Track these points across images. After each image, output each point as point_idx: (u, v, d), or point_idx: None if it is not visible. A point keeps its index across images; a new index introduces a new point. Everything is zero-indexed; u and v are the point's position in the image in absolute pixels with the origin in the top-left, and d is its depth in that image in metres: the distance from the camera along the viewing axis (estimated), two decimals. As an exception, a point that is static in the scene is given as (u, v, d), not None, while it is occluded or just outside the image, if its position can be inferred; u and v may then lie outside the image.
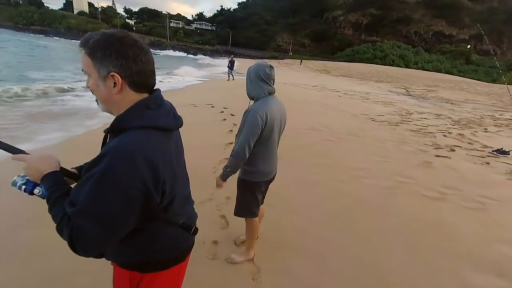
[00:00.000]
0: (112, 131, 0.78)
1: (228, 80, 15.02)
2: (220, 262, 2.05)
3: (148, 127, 0.76)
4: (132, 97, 0.78)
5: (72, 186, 0.80)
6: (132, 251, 0.86)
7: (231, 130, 5.09)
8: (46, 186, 0.77)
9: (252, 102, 1.80)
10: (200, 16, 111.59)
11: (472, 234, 2.57)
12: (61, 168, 0.84)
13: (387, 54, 63.74)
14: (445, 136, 6.10)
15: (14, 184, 0.79)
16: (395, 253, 2.25)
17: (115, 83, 0.74)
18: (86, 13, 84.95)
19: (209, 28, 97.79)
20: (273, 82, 1.77)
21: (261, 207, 2.17)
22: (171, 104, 0.89)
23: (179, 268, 0.96)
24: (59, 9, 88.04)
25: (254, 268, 2.02)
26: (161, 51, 61.35)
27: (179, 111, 0.93)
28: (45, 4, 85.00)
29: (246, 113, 1.69)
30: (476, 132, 6.80)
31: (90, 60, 0.74)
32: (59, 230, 0.72)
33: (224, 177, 1.80)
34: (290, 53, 72.71)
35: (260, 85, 1.71)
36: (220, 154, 4.03)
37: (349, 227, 2.57)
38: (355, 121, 6.82)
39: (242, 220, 2.53)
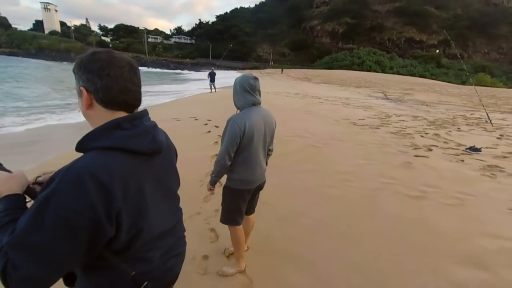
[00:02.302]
0: (78, 150, 0.71)
1: (211, 92, 15.12)
2: (212, 276, 2.02)
3: (113, 149, 0.69)
4: (103, 114, 0.73)
5: None
6: (95, 285, 0.77)
7: (216, 142, 5.08)
8: (0, 209, 0.70)
9: (238, 111, 1.84)
10: (178, 30, 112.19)
11: (453, 230, 2.69)
12: (28, 188, 0.78)
13: (364, 61, 66.64)
14: (422, 136, 6.40)
15: None
16: (382, 254, 2.30)
17: (86, 100, 0.73)
18: (58, 32, 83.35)
19: (189, 41, 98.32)
20: (259, 93, 1.82)
21: (250, 217, 2.17)
22: (154, 127, 0.81)
23: None
24: (29, 30, 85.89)
25: (246, 280, 2.00)
26: (141, 67, 60.75)
27: (162, 126, 0.87)
28: (13, 26, 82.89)
29: (227, 122, 1.75)
30: (450, 131, 7.19)
31: (76, 79, 0.74)
32: None
33: (211, 182, 1.89)
34: (271, 63, 74.23)
35: (245, 96, 1.77)
36: (206, 166, 4.00)
37: (339, 231, 2.61)
38: (338, 126, 7.02)
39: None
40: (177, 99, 13.14)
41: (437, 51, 75.12)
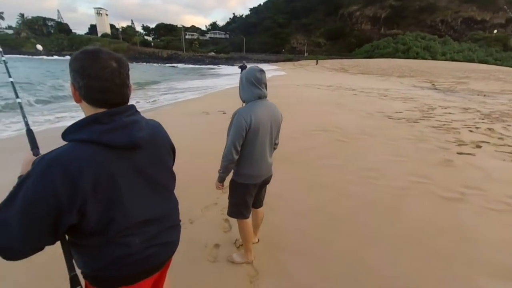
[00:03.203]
0: (62, 139, 0.77)
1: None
2: (220, 264, 2.08)
3: (88, 141, 0.74)
4: (88, 109, 0.80)
5: None
6: (83, 263, 0.86)
7: (240, 135, 5.13)
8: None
9: (244, 104, 1.83)
10: (213, 26, 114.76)
11: (492, 239, 2.36)
12: None
13: (410, 47, 60.69)
14: (471, 131, 5.66)
15: None
16: (403, 258, 2.13)
17: (74, 94, 0.80)
18: (108, 34, 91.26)
19: (223, 36, 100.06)
20: (265, 86, 1.78)
21: (258, 210, 2.18)
22: (134, 122, 0.83)
23: None
24: (85, 33, 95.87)
25: (253, 271, 2.02)
26: (178, 64, 63.72)
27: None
28: (73, 31, 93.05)
29: (233, 116, 1.73)
30: (510, 125, 6.23)
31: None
32: None
33: (220, 179, 1.87)
34: (306, 54, 71.98)
35: (251, 89, 1.74)
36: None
37: (355, 230, 2.48)
38: (370, 120, 6.57)
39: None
40: (206, 94, 13.55)
41: (504, 31, 64.70)
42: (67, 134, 0.77)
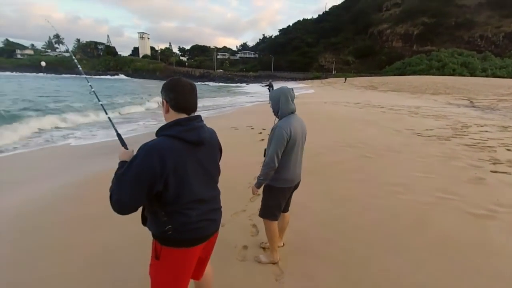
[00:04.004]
0: (155, 134, 1.20)
1: (270, 103, 15.72)
2: (248, 263, 2.30)
3: (172, 136, 1.14)
4: (173, 115, 1.20)
5: None
6: (155, 226, 1.19)
7: (267, 149, 5.42)
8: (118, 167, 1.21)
9: (277, 120, 2.13)
10: (244, 46, 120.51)
11: (525, 255, 2.30)
12: None
13: (446, 64, 57.65)
14: (508, 150, 5.36)
15: None
16: (425, 268, 2.19)
17: (164, 107, 1.22)
18: (148, 55, 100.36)
19: (252, 56, 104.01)
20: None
21: (286, 214, 2.40)
22: (201, 126, 1.23)
23: (188, 252, 1.23)
24: (129, 55, 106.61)
25: (278, 271, 2.20)
26: (209, 82, 67.29)
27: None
28: (119, 53, 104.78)
29: (273, 129, 2.04)
30: (556, 145, 5.77)
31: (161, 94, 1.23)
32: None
33: (258, 185, 2.08)
34: (334, 72, 71.67)
35: (287, 105, 2.03)
36: (256, 171, 4.29)
37: (378, 240, 2.57)
38: (398, 137, 6.50)
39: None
40: (239, 108, 14.19)
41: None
42: (159, 131, 1.18)
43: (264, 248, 2.49)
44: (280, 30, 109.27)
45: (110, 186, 1.11)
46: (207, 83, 63.61)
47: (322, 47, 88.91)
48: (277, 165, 1.98)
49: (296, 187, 2.24)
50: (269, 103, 2.20)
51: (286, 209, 2.36)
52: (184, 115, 1.20)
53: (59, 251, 2.47)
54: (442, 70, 56.29)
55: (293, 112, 2.06)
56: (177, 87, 1.19)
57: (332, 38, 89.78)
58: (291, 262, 2.29)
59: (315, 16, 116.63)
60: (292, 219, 2.51)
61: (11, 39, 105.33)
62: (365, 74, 61.98)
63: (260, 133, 6.94)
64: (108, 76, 75.99)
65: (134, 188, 1.06)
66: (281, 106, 2.03)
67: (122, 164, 1.20)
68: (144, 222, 1.26)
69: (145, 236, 1.35)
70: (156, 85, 45.28)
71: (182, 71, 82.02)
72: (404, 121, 8.79)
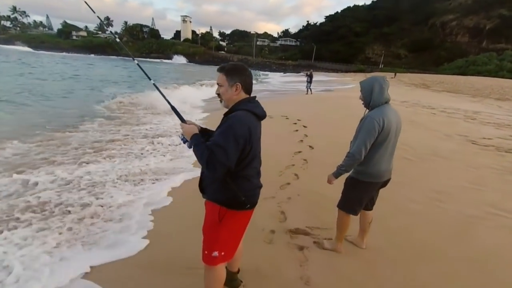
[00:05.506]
0: (227, 113, 1.40)
1: (307, 94, 15.35)
2: (274, 246, 2.41)
3: (248, 111, 1.37)
4: (242, 96, 1.42)
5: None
6: (226, 192, 1.38)
7: (301, 140, 5.42)
8: (193, 141, 1.37)
9: (367, 111, 1.97)
10: (285, 33, 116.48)
11: None
12: (200, 129, 1.49)
13: (521, 65, 49.70)
14: None
15: (179, 137, 1.49)
16: (459, 279, 2.09)
17: (236, 89, 1.39)
18: (189, 39, 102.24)
19: (293, 43, 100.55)
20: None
21: (368, 213, 2.24)
22: (260, 104, 1.48)
23: (247, 214, 1.49)
24: (170, 38, 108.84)
25: (303, 258, 2.26)
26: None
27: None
28: (162, 36, 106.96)
29: (363, 119, 1.90)
30: None
31: (225, 77, 1.39)
32: (200, 158, 1.28)
33: (337, 175, 1.98)
34: (381, 66, 66.32)
35: (381, 94, 1.87)
36: (287, 161, 4.43)
37: (409, 245, 2.49)
38: (447, 142, 5.95)
39: (297, 216, 2.84)
40: (271, 98, 14.11)
41: None
42: (235, 107, 1.40)
43: (290, 236, 2.54)
44: (326, 17, 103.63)
45: (198, 159, 1.30)
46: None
47: (372, 37, 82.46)
48: (363, 158, 1.84)
49: (384, 184, 2.08)
50: (360, 92, 1.99)
51: (369, 207, 2.21)
52: (246, 95, 1.43)
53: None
54: (514, 71, 48.71)
55: (387, 102, 1.88)
56: (246, 71, 1.43)
57: (384, 27, 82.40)
58: (316, 252, 2.33)
59: (368, 2, 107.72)
60: (321, 211, 2.51)
61: (68, 21, 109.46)
62: (418, 71, 56.45)
63: (295, 123, 6.90)
64: (156, 60, 79.09)
65: (233, 150, 1.27)
66: (374, 96, 1.87)
67: (196, 137, 1.37)
68: (203, 191, 1.50)
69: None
70: (198, 70, 46.47)
71: (220, 56, 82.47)
72: (457, 125, 7.95)
